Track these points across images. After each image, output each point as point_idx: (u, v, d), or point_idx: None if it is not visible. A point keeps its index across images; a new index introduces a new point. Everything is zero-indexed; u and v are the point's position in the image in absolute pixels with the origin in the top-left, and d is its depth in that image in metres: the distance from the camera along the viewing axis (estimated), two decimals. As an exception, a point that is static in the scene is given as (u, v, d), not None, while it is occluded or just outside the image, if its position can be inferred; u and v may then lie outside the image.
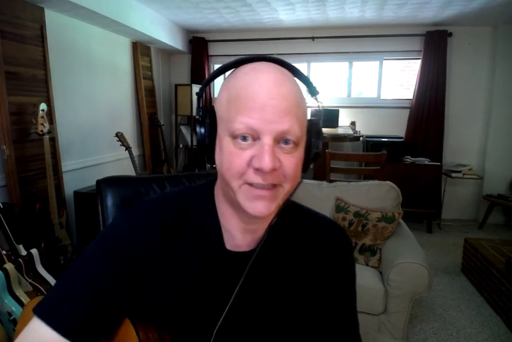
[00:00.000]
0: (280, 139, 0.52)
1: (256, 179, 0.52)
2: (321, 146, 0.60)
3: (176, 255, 0.61)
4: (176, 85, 4.25)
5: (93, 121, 3.11)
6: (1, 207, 1.94)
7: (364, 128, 4.22)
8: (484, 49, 3.99)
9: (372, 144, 3.84)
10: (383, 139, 3.94)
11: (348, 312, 0.67)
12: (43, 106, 2.20)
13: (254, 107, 0.50)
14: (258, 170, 0.51)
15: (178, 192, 0.67)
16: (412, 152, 3.96)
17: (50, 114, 2.43)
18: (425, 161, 3.77)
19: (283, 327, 0.63)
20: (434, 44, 3.96)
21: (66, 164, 2.70)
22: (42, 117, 2.19)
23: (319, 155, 0.59)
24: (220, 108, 0.55)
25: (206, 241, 0.62)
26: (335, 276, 0.66)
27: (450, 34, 3.97)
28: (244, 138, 0.51)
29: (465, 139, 4.17)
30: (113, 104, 3.44)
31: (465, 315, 2.26)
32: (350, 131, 3.97)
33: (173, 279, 0.61)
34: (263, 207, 0.53)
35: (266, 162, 0.49)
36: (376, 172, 3.01)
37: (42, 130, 2.18)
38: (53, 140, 2.50)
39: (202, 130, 0.56)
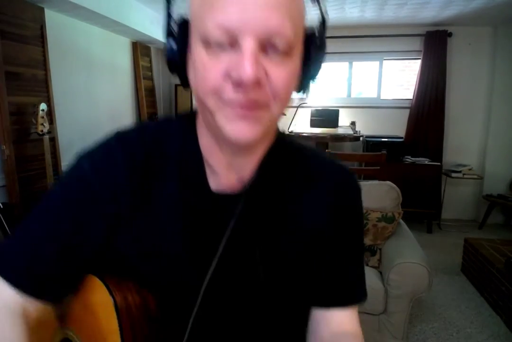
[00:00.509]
0: (267, 44, 0.40)
1: (236, 96, 0.41)
2: (323, 59, 0.49)
3: (152, 198, 0.51)
4: (176, 85, 4.25)
5: (93, 121, 3.11)
6: (1, 207, 1.94)
7: (364, 128, 4.22)
8: (484, 49, 3.99)
9: (372, 144, 3.84)
10: (383, 139, 3.94)
11: (355, 263, 0.59)
12: (43, 106, 2.20)
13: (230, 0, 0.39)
14: (237, 85, 0.40)
15: (153, 124, 0.56)
16: (412, 152, 3.96)
17: (50, 114, 2.43)
18: (425, 161, 3.77)
19: (277, 280, 0.54)
20: (434, 44, 3.96)
21: (66, 164, 2.68)
22: (42, 117, 2.19)
23: (319, 70, 0.48)
24: (192, 9, 0.44)
25: (187, 180, 0.52)
26: (341, 225, 0.56)
27: (450, 34, 3.97)
28: (220, 45, 0.40)
29: (465, 139, 4.17)
30: (113, 104, 3.45)
31: (465, 315, 2.26)
32: (350, 131, 3.97)
33: (149, 227, 0.51)
34: (245, 130, 0.43)
35: (246, 71, 0.38)
36: (376, 172, 3.01)
37: (42, 130, 2.18)
38: (53, 140, 2.50)
39: (172, 43, 0.46)
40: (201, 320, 0.51)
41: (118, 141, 0.53)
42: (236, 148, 0.49)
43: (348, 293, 0.57)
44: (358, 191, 0.59)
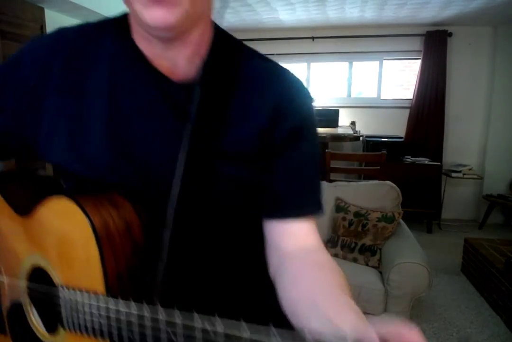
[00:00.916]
0: None
1: None
2: None
3: (85, 85, 0.51)
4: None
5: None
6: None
7: (364, 128, 4.22)
8: (484, 49, 3.99)
9: (372, 144, 3.84)
10: (383, 139, 3.95)
11: (309, 173, 0.57)
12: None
13: None
14: None
15: (94, 22, 0.56)
16: (412, 152, 3.96)
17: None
18: (425, 161, 3.78)
19: (233, 179, 0.53)
20: (434, 44, 3.96)
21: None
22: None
23: None
24: None
25: (120, 65, 0.51)
26: (289, 131, 0.54)
27: (450, 34, 3.97)
28: None
29: (465, 139, 4.17)
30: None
31: (465, 315, 2.26)
32: (350, 131, 3.97)
33: (79, 113, 0.50)
34: (163, 15, 0.42)
35: None
36: (376, 172, 3.01)
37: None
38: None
39: None
40: (177, 229, 0.49)
41: (59, 29, 0.54)
42: (166, 39, 0.47)
43: (303, 203, 0.56)
44: (307, 97, 0.57)
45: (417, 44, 4.09)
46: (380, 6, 3.36)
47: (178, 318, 0.36)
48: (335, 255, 2.07)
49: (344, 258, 2.04)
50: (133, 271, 0.46)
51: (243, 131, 0.52)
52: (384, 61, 4.30)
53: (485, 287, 2.43)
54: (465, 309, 2.33)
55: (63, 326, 0.48)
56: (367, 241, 2.06)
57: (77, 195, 0.46)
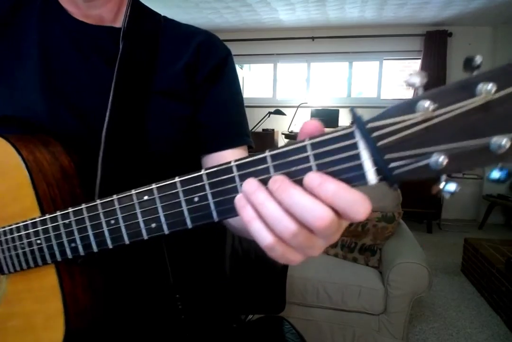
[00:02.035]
0: None
1: None
2: None
3: (16, 33, 0.55)
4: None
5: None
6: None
7: (364, 128, 4.22)
8: (484, 49, 3.99)
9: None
10: (383, 139, 3.95)
11: (235, 109, 0.62)
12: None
13: None
14: None
15: None
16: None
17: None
18: (425, 161, 3.77)
19: (163, 118, 0.56)
20: (434, 44, 3.96)
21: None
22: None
23: None
24: None
25: (50, 21, 0.55)
26: (215, 72, 0.59)
27: (450, 34, 3.98)
28: None
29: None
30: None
31: (465, 315, 2.26)
32: (350, 131, 3.97)
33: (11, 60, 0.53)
34: None
35: None
36: (376, 171, 3.01)
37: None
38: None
39: None
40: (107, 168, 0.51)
41: None
42: None
43: (233, 134, 0.61)
44: (223, 45, 0.63)
45: (417, 44, 4.09)
46: (380, 6, 3.36)
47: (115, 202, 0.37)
48: (335, 255, 2.07)
49: (344, 258, 2.04)
50: (66, 196, 0.47)
51: (171, 70, 0.57)
52: (384, 61, 4.30)
53: (485, 287, 2.43)
54: (465, 309, 2.33)
55: (2, 271, 0.48)
56: (367, 241, 2.06)
57: (7, 134, 0.47)
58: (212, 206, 0.32)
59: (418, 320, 2.18)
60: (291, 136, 3.84)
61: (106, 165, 0.50)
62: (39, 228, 0.43)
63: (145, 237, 0.36)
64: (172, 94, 0.57)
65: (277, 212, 0.29)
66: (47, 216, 0.42)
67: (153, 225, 0.35)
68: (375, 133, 0.27)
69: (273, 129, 4.33)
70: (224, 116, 0.61)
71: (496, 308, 2.27)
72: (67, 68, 0.54)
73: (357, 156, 0.28)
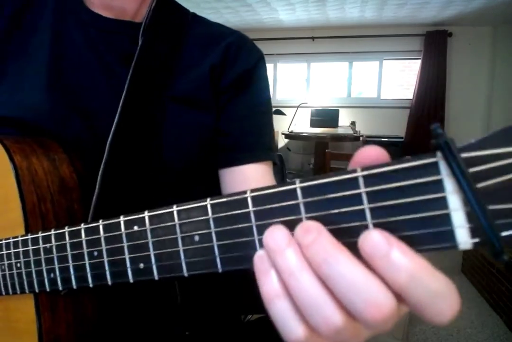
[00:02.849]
0: None
1: None
2: None
3: (31, 29, 0.50)
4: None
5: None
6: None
7: (364, 128, 4.22)
8: (484, 49, 3.99)
9: (372, 144, 3.84)
10: (383, 139, 3.95)
11: (261, 122, 0.57)
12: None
13: None
14: None
15: None
16: (412, 152, 3.94)
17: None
18: (425, 161, 3.77)
19: (180, 124, 0.51)
20: (434, 44, 3.96)
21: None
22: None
23: None
24: None
25: (65, 14, 0.51)
26: (243, 79, 0.54)
27: (450, 34, 3.98)
28: None
29: (465, 139, 4.12)
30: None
31: (465, 315, 2.26)
32: (350, 131, 3.97)
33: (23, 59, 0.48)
34: None
35: None
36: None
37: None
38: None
39: None
40: (109, 179, 0.45)
41: None
42: None
43: (255, 147, 0.54)
44: (256, 48, 0.58)
45: (417, 44, 4.09)
46: (380, 6, 3.36)
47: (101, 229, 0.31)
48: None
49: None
50: (61, 212, 0.40)
51: (194, 73, 0.52)
52: (384, 61, 4.30)
53: (485, 287, 2.43)
54: (465, 309, 2.33)
55: None
56: (367, 241, 2.06)
57: (2, 136, 0.42)
58: (217, 251, 0.24)
59: (418, 320, 2.18)
60: (291, 136, 3.84)
61: (107, 178, 0.44)
62: (20, 249, 0.36)
63: (131, 279, 0.28)
64: (192, 101, 0.51)
65: (317, 292, 0.19)
66: (29, 236, 0.35)
67: (141, 265, 0.28)
68: (473, 169, 0.18)
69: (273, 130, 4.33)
70: (248, 125, 0.55)
71: (496, 308, 2.27)
72: (78, 67, 0.49)
73: (441, 203, 0.18)
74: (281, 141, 4.31)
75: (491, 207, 0.17)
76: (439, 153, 0.18)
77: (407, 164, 0.19)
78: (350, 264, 0.18)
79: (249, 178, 0.53)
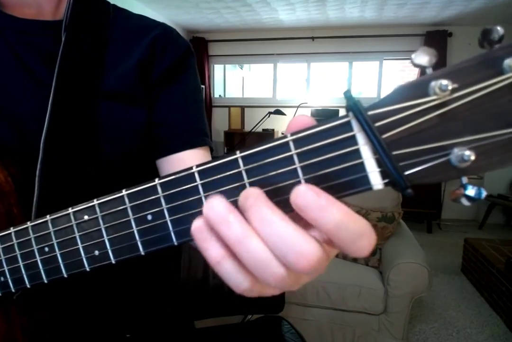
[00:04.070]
0: None
1: None
2: None
3: None
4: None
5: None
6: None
7: (364, 128, 4.23)
8: (484, 49, 3.99)
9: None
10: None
11: (191, 108, 0.57)
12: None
13: None
14: None
15: None
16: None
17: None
18: (425, 161, 3.77)
19: (115, 117, 0.51)
20: (434, 44, 3.96)
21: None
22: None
23: None
24: None
25: None
26: (173, 69, 0.54)
27: (450, 34, 3.97)
28: None
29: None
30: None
31: (465, 315, 2.26)
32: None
33: None
34: None
35: None
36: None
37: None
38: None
39: None
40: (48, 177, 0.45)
41: None
42: None
43: (191, 134, 0.55)
44: (182, 39, 0.57)
45: (417, 44, 4.09)
46: (380, 6, 3.36)
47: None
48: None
49: (344, 258, 2.04)
50: (0, 217, 0.41)
51: (122, 68, 0.51)
52: (384, 61, 4.30)
53: (485, 287, 2.43)
54: (465, 309, 2.33)
55: None
56: (367, 241, 2.06)
57: None
58: (170, 226, 0.25)
59: (418, 320, 2.18)
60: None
61: (45, 180, 0.43)
62: None
63: (87, 268, 0.29)
64: (123, 97, 0.51)
65: (264, 254, 0.21)
66: None
67: (96, 252, 0.28)
68: (378, 123, 0.21)
69: (273, 129, 4.33)
70: (181, 114, 0.55)
71: (496, 308, 2.27)
72: (2, 72, 0.47)
73: (355, 154, 0.21)
74: (281, 141, 4.30)
75: (395, 152, 0.21)
76: (351, 114, 0.21)
77: (327, 125, 0.22)
78: (282, 222, 0.21)
79: (188, 164, 0.52)
